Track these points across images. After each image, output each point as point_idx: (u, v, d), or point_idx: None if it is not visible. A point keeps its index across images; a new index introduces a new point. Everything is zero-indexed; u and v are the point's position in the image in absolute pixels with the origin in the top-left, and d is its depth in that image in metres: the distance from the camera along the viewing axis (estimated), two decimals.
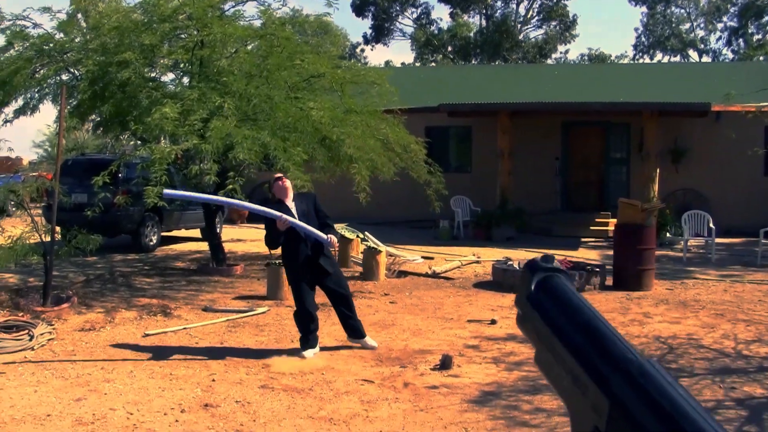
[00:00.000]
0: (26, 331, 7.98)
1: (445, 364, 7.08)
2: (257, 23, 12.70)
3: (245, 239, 16.98)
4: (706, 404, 6.11)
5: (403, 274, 12.74)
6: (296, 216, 7.49)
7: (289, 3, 52.48)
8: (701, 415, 0.67)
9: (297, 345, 7.66)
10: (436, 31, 49.78)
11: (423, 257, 14.42)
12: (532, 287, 0.84)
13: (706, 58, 50.46)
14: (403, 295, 10.99)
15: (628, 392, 0.70)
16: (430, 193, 12.99)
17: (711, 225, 14.97)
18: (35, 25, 11.87)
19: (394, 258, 13.51)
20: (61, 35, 11.87)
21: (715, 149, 19.39)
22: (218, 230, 14.30)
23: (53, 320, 8.76)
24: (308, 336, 7.54)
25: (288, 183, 7.82)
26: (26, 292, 10.21)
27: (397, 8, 48.87)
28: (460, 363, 7.24)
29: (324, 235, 7.58)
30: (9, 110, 12.10)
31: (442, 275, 12.64)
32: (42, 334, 7.97)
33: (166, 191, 8.07)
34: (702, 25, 52.11)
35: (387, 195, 16.68)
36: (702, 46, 51.89)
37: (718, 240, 15.43)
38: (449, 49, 49.22)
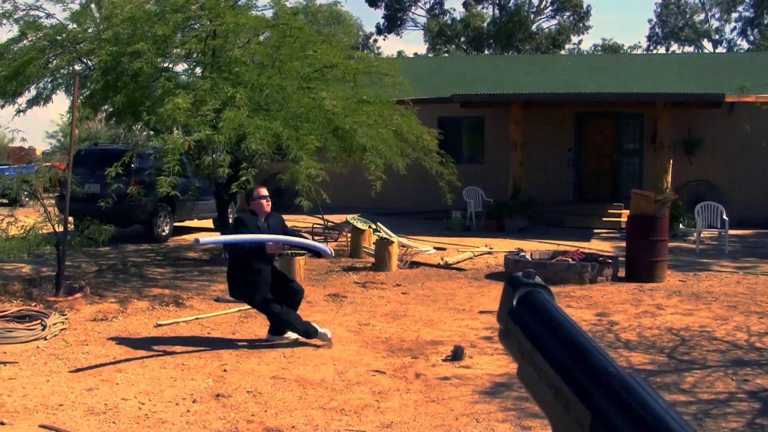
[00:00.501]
0: (39, 320, 8.00)
1: (457, 355, 7.07)
2: (269, 13, 12.69)
3: None
4: (719, 396, 6.08)
5: (415, 264, 12.72)
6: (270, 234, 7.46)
7: None
8: (683, 427, 0.68)
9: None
10: (449, 22, 49.67)
11: (435, 248, 14.39)
12: (514, 303, 0.85)
13: (720, 49, 50.18)
14: (415, 285, 10.98)
15: (610, 405, 0.71)
16: (443, 184, 12.95)
17: (724, 216, 14.86)
18: (48, 15, 11.85)
19: (407, 249, 13.50)
20: (74, 25, 11.85)
21: (729, 140, 19.26)
22: (231, 220, 14.28)
23: (66, 310, 8.78)
24: (304, 328, 7.48)
25: (269, 203, 7.68)
26: (39, 282, 10.25)
27: None
28: (471, 354, 7.22)
29: (322, 246, 7.69)
30: (22, 100, 12.09)
31: (454, 266, 12.61)
32: (54, 324, 7.99)
33: (203, 240, 7.20)
34: (716, 16, 51.76)
35: (399, 186, 16.66)
36: (716, 36, 51.54)
37: (731, 231, 15.32)
38: (462, 39, 49.08)
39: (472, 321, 8.71)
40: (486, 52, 46.48)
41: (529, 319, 0.83)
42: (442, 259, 13.02)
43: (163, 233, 15.49)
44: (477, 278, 11.67)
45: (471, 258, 13.55)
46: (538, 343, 0.80)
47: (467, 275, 11.93)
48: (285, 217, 7.78)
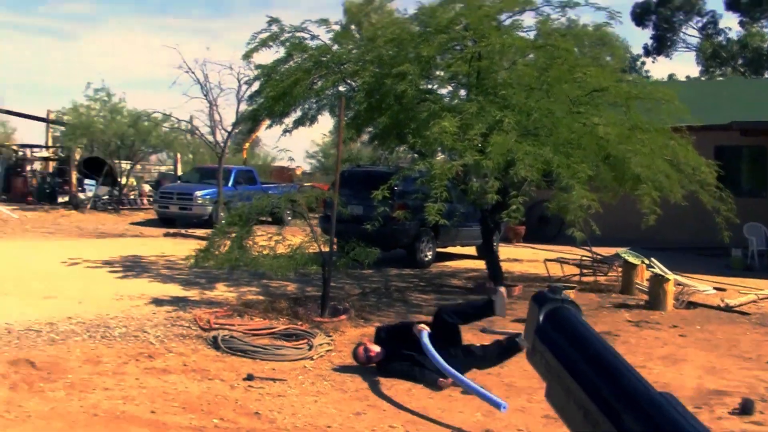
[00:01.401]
0: (305, 340, 8.12)
1: (746, 408, 6.37)
2: (532, 34, 12.30)
3: (522, 259, 16.53)
4: None
5: (692, 305, 11.74)
6: None
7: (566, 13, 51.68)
8: None
9: None
10: (723, 42, 46.57)
11: (714, 288, 13.24)
12: (540, 320, 0.83)
13: None
14: (693, 328, 10.08)
15: (641, 428, 0.68)
16: (720, 220, 11.85)
17: None
18: (313, 37, 12.12)
19: (683, 287, 12.51)
20: (337, 47, 12.11)
21: None
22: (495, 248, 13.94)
23: (330, 331, 8.84)
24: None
25: None
26: (304, 301, 10.43)
27: (681, 17, 46.30)
28: (762, 409, 6.44)
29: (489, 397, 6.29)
30: (288, 120, 12.47)
31: (736, 309, 11.48)
32: (320, 345, 8.06)
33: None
34: None
35: (672, 219, 15.55)
36: None
37: None
38: (739, 61, 45.83)
39: (761, 372, 7.84)
40: (766, 75, 43.07)
41: (555, 337, 0.81)
42: (722, 301, 11.92)
43: (426, 258, 15.40)
44: (763, 324, 10.54)
45: (755, 301, 12.31)
46: (565, 362, 0.78)
47: (751, 320, 10.83)
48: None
